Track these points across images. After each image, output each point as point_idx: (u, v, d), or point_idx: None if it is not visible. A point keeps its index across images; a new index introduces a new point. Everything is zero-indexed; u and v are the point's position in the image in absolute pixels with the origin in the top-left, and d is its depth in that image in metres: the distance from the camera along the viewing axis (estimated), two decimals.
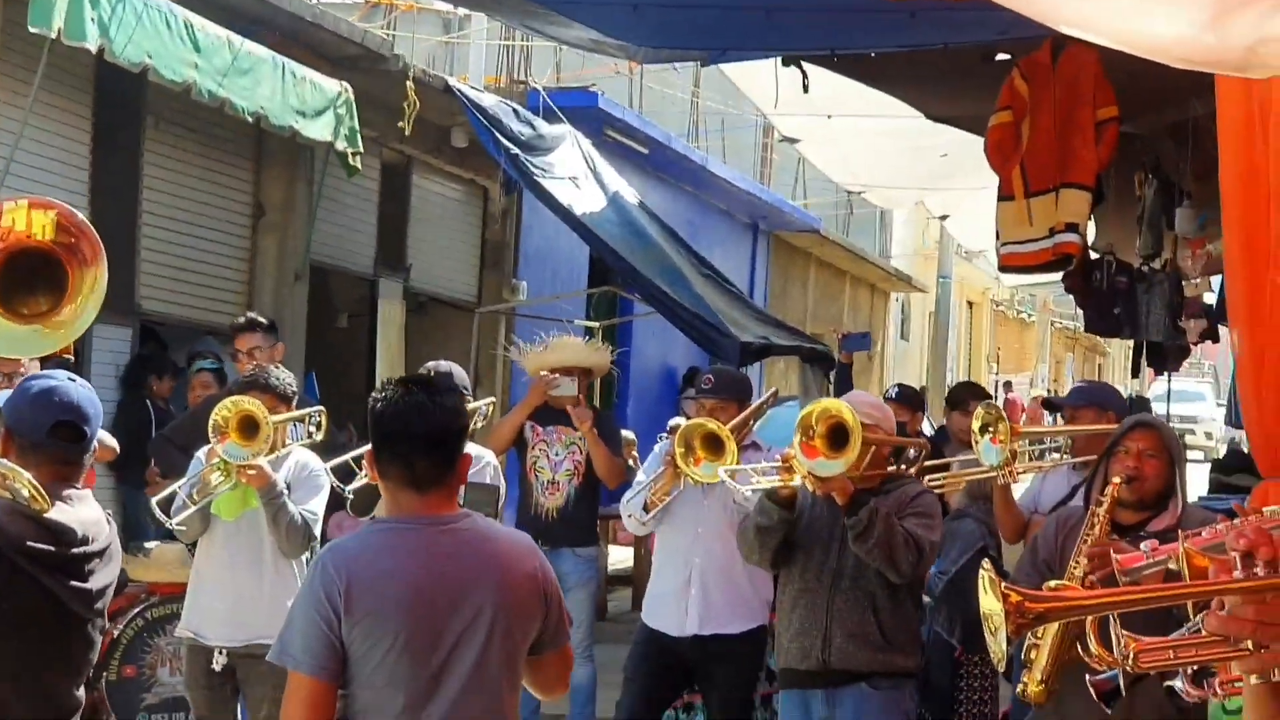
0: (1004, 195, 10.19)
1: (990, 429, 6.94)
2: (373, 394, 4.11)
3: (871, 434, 6.26)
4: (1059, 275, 11.65)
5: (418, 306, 14.97)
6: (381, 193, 14.25)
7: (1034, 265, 10.46)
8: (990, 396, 8.41)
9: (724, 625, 7.52)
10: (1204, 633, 2.81)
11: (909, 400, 10.46)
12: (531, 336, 10.51)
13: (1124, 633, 2.81)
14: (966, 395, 10.03)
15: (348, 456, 7.18)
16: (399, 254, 14.63)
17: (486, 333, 14.91)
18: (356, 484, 7.08)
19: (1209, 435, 27.46)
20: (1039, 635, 5.30)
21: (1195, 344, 12.71)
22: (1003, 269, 11.07)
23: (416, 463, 4.04)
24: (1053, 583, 5.18)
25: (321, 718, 3.91)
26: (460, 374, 7.71)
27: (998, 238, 10.42)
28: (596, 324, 15.20)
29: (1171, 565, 4.35)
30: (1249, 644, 2.68)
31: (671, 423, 8.75)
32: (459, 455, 4.12)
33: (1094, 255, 11.82)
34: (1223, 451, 13.83)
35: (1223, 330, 11.72)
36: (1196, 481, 14.87)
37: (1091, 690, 3.20)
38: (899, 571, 6.17)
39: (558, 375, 9.20)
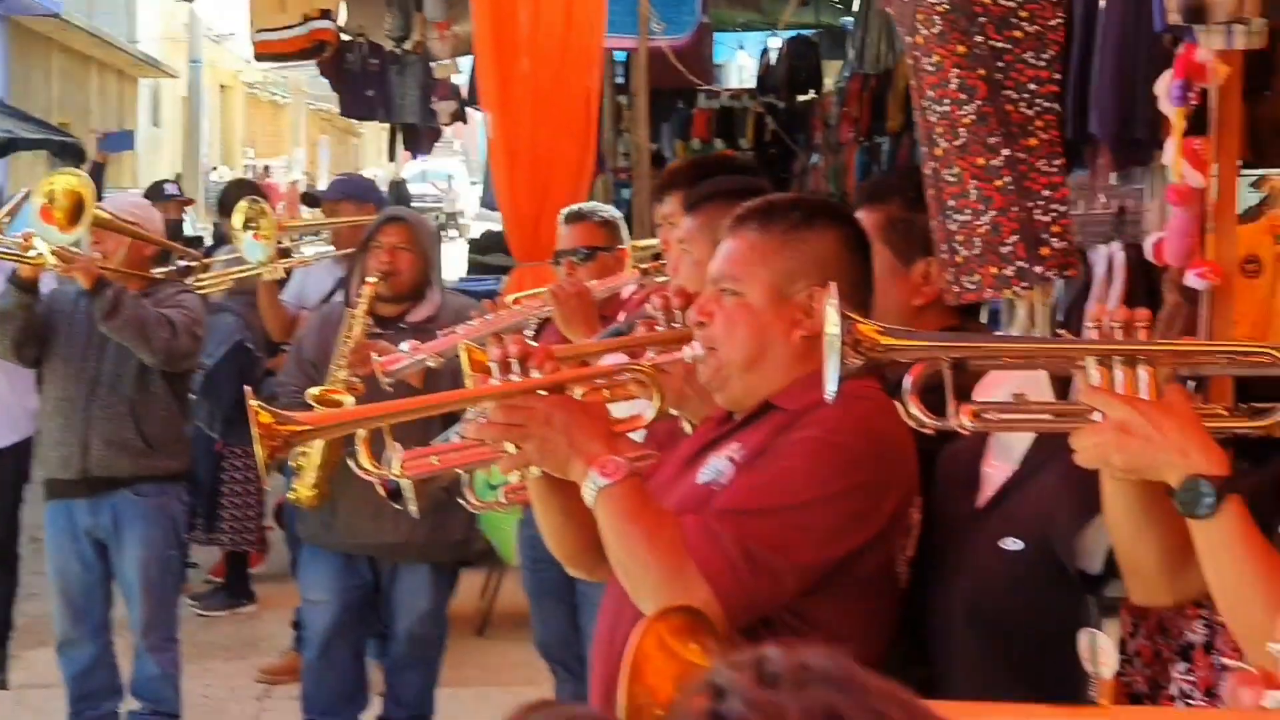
0: None
1: (253, 224, 6.82)
2: None
3: (127, 229, 6.12)
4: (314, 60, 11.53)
5: None
6: None
7: (290, 53, 10.27)
8: (264, 194, 8.22)
9: None
10: (464, 438, 2.85)
11: (160, 195, 10.18)
12: None
13: (396, 445, 2.81)
14: (239, 197, 9.82)
15: None
16: None
17: None
18: None
19: (462, 214, 28.22)
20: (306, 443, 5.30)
21: (446, 125, 12.90)
22: (259, 58, 10.82)
23: None
24: (314, 390, 5.17)
25: None
26: None
27: (252, 26, 10.15)
28: None
29: (431, 363, 4.44)
30: (509, 446, 2.73)
31: None
32: None
33: (346, 38, 11.76)
34: (478, 232, 14.21)
35: (472, 112, 11.98)
36: (455, 260, 15.24)
37: (380, 490, 3.17)
38: (152, 349, 6.03)
39: None
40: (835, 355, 2.38)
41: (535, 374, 2.76)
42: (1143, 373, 2.38)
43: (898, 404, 2.45)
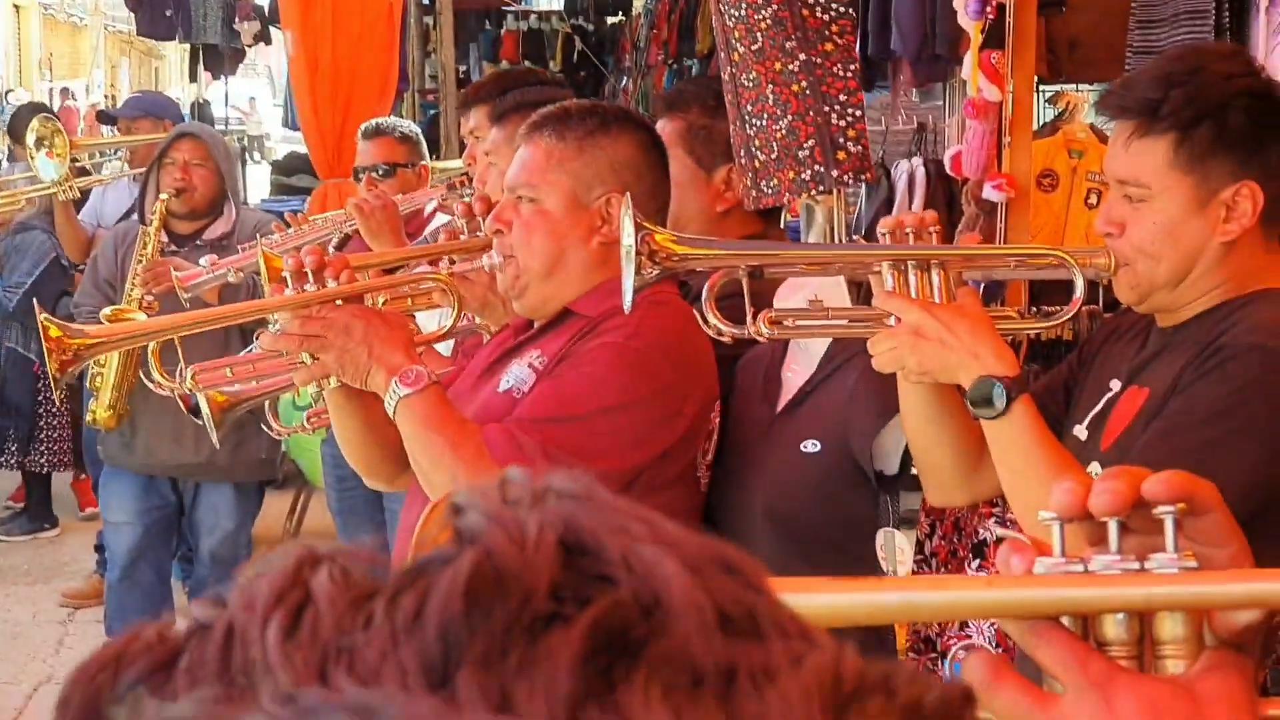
0: None
1: (46, 143, 6.63)
2: None
3: None
4: None
5: None
6: None
7: None
8: (53, 113, 8.00)
9: None
10: (260, 349, 2.80)
11: None
12: None
13: (196, 367, 2.76)
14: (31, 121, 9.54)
15: None
16: None
17: None
18: None
19: (267, 136, 27.73)
20: (101, 364, 5.20)
21: (250, 46, 12.65)
22: None
23: None
24: (108, 310, 5.05)
25: None
26: None
27: None
28: None
29: (231, 278, 4.36)
30: (305, 357, 2.70)
31: None
32: None
33: None
34: (281, 153, 13.98)
35: (275, 31, 11.75)
36: (259, 183, 15.00)
37: (183, 406, 3.12)
38: None
39: None
40: (631, 266, 2.38)
41: (333, 284, 2.72)
42: (935, 277, 2.41)
43: (696, 312, 2.46)
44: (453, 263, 3.22)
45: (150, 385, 2.77)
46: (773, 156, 2.98)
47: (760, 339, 2.48)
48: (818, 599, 1.04)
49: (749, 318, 2.44)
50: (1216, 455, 2.26)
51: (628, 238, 2.38)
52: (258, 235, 4.86)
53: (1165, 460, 2.22)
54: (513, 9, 14.92)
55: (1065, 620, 1.04)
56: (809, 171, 2.97)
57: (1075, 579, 1.03)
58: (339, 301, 2.69)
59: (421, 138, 5.59)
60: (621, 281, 2.42)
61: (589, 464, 2.62)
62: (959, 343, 2.33)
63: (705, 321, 2.45)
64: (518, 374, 2.79)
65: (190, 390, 2.77)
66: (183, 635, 0.49)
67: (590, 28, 15.56)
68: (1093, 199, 5.33)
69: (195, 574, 5.99)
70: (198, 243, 5.49)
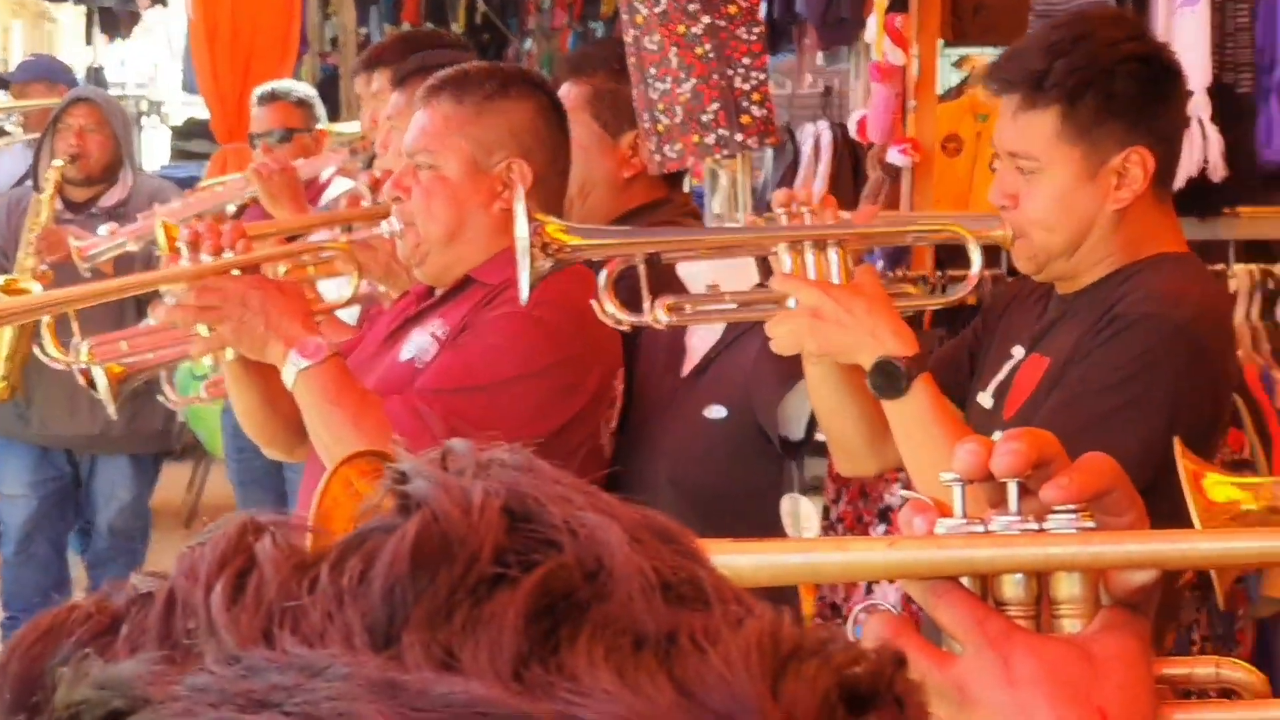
0: None
1: None
2: None
3: None
4: None
5: None
6: None
7: None
8: None
9: None
10: (155, 322, 2.76)
11: None
12: None
13: (92, 340, 2.71)
14: None
15: None
16: None
17: None
18: None
19: (165, 102, 27.38)
20: None
21: (146, 8, 12.47)
22: None
23: None
24: (1, 279, 4.96)
25: None
26: None
27: None
28: None
29: (130, 246, 4.29)
30: (201, 329, 2.65)
31: None
32: None
33: None
34: (180, 119, 13.82)
35: None
36: (159, 149, 14.81)
37: (81, 380, 3.06)
38: None
39: None
40: (525, 259, 2.36)
41: (229, 254, 2.67)
42: (833, 255, 2.40)
43: (594, 301, 2.45)
44: (348, 230, 3.19)
45: (44, 359, 2.70)
46: (676, 120, 2.96)
47: (658, 326, 2.47)
48: (720, 561, 1.03)
49: (646, 306, 2.43)
50: (1115, 424, 2.29)
51: (520, 230, 2.36)
52: (154, 203, 4.79)
53: (1065, 430, 2.24)
54: None
55: (966, 581, 1.05)
56: (713, 135, 2.95)
57: (975, 539, 1.04)
58: (236, 272, 2.64)
59: (318, 101, 5.52)
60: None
61: (492, 434, 2.59)
62: (856, 323, 2.33)
63: (603, 310, 2.44)
64: (419, 343, 2.75)
65: (86, 364, 2.71)
66: (123, 604, 0.49)
67: None
68: (997, 163, 5.35)
69: (93, 546, 5.92)
70: (93, 210, 5.40)
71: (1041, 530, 1.03)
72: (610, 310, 2.42)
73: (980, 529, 1.04)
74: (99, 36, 13.48)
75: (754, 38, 2.97)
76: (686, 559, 0.48)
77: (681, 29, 2.93)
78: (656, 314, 2.43)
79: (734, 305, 2.51)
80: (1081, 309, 2.42)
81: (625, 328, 2.50)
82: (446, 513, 0.45)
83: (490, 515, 0.45)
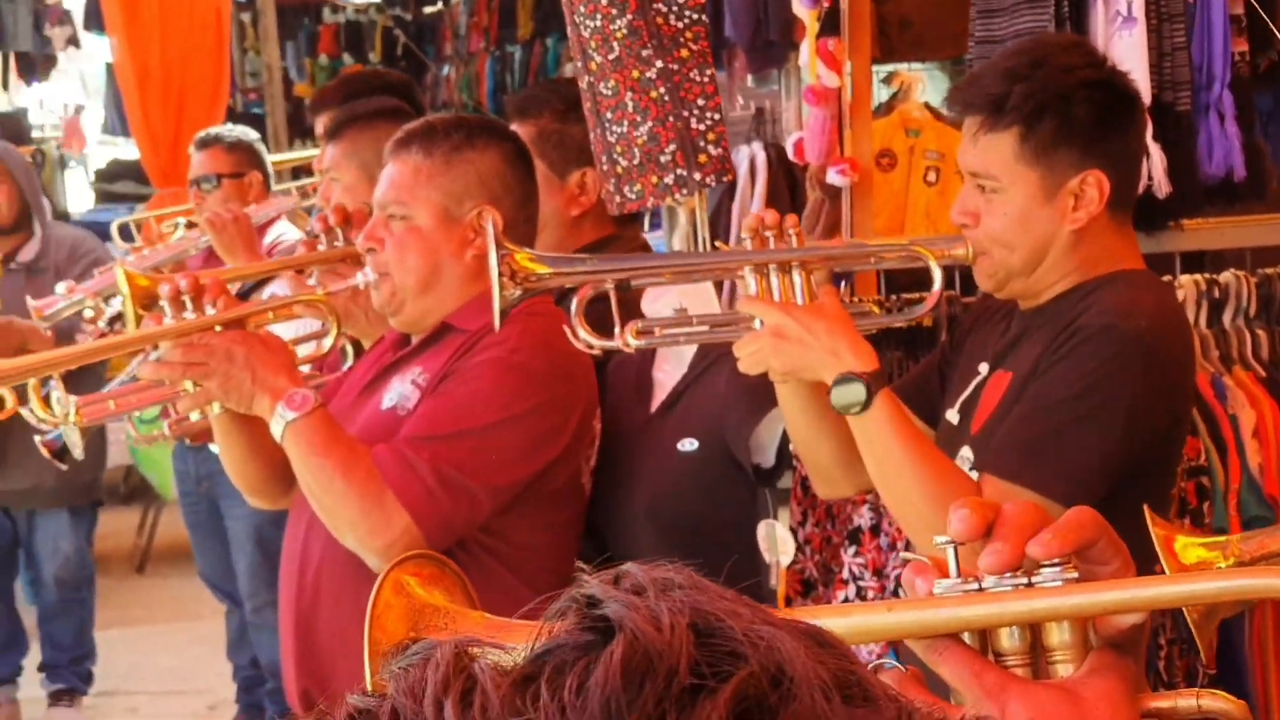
0: None
1: None
2: None
3: None
4: None
5: None
6: None
7: None
8: None
9: None
10: (142, 379, 2.80)
11: None
12: None
13: (80, 400, 2.74)
14: None
15: None
16: None
17: None
18: None
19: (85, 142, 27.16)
20: None
21: (62, 51, 12.44)
22: None
23: None
24: None
25: None
26: None
27: None
28: None
29: (89, 304, 4.31)
30: (187, 385, 2.70)
31: None
32: None
33: None
34: (103, 160, 13.72)
35: (87, 36, 11.59)
36: (80, 191, 14.68)
37: (43, 450, 3.09)
38: None
39: None
40: (496, 286, 2.43)
41: (210, 310, 2.72)
42: (797, 277, 2.48)
43: (566, 328, 2.51)
44: (302, 273, 3.24)
45: (32, 420, 2.73)
46: (635, 162, 3.03)
47: (628, 350, 2.54)
48: None
49: (617, 329, 2.50)
50: (1076, 436, 2.36)
51: (491, 258, 2.43)
52: (75, 254, 4.78)
53: (1027, 443, 2.33)
54: (330, 2, 14.77)
55: (965, 636, 1.13)
56: (671, 176, 3.02)
57: (969, 598, 1.12)
58: (218, 327, 2.69)
59: (259, 144, 5.49)
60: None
61: (479, 480, 2.66)
62: (818, 342, 2.40)
63: (575, 336, 2.50)
64: (400, 391, 2.81)
65: (75, 423, 2.75)
66: None
67: (409, 18, 15.46)
68: (931, 176, 5.45)
69: (40, 599, 5.90)
70: (11, 266, 5.37)
71: (1030, 585, 1.11)
72: (583, 336, 2.49)
73: (975, 587, 1.12)
74: (15, 80, 13.39)
75: (706, 79, 3.04)
76: (845, 661, 0.52)
77: (636, 74, 3.00)
78: (627, 338, 2.50)
79: (702, 328, 2.58)
80: (1042, 325, 2.50)
81: (597, 352, 2.56)
82: (644, 630, 0.49)
83: (680, 633, 0.49)
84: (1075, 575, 1.13)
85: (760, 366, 2.47)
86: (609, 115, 2.99)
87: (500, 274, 2.44)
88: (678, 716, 0.47)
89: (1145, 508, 1.29)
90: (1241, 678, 3.35)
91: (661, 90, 2.99)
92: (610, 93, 3.01)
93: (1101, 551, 1.17)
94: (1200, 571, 1.26)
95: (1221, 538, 1.26)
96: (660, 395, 2.99)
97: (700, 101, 3.01)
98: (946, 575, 1.14)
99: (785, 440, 2.84)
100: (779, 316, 2.43)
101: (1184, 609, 1.20)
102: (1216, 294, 3.31)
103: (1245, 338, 3.32)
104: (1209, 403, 3.22)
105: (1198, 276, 3.33)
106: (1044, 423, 2.40)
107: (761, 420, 2.81)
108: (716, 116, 3.01)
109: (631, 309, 2.66)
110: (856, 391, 2.37)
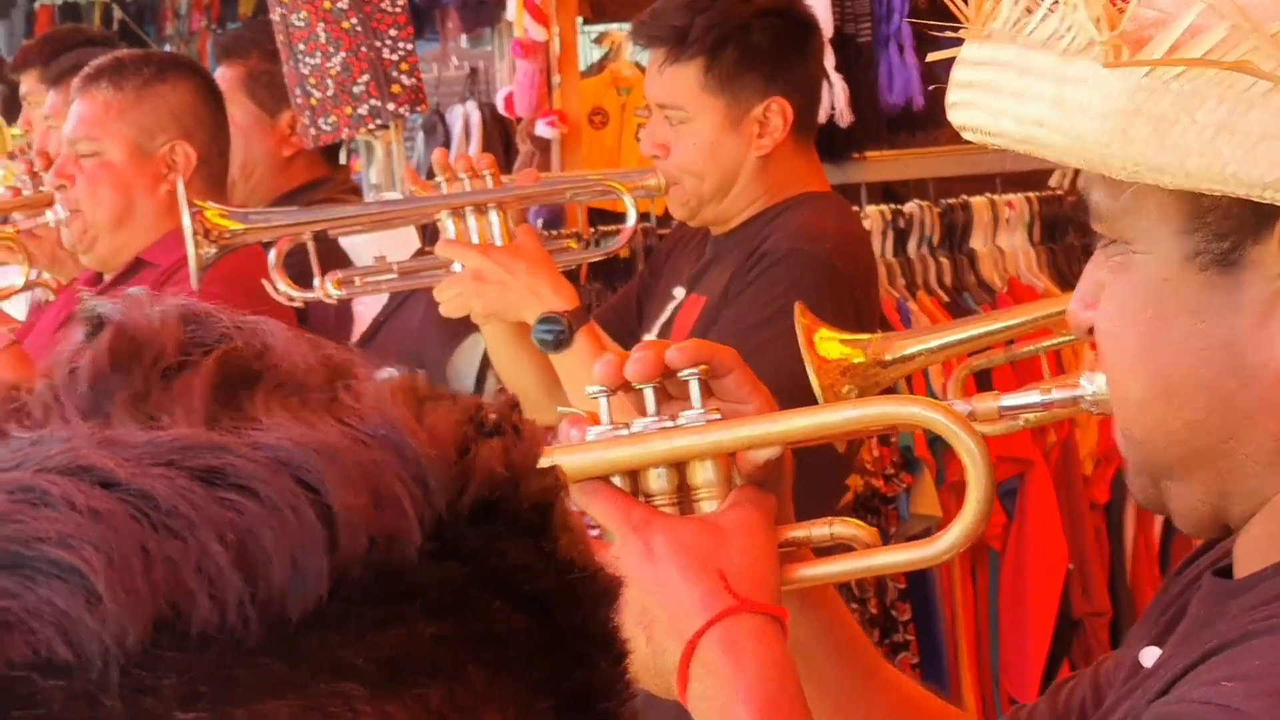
0: None
1: None
2: None
3: None
4: None
5: None
6: None
7: None
8: None
9: None
10: None
11: None
12: None
13: None
14: None
15: None
16: None
17: None
18: None
19: None
20: None
21: None
22: None
23: None
24: None
25: None
26: None
27: None
28: None
29: None
30: None
31: None
32: None
33: None
34: None
35: None
36: None
37: None
38: None
39: None
40: (192, 245, 2.42)
41: None
42: (494, 218, 2.51)
43: (265, 282, 2.50)
44: (3, 220, 3.18)
45: None
46: (329, 93, 3.04)
47: (330, 300, 2.53)
48: None
49: (317, 281, 2.50)
50: (766, 358, 2.43)
51: (185, 218, 2.42)
52: None
53: None
54: None
55: (617, 480, 1.20)
56: (365, 106, 3.04)
57: (618, 440, 1.20)
58: None
59: None
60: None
61: None
62: (518, 283, 2.43)
63: (275, 290, 2.49)
64: None
65: None
66: None
67: None
68: (641, 133, 5.53)
69: None
70: None
71: (675, 426, 1.19)
72: (283, 289, 2.49)
73: (624, 431, 1.19)
74: None
75: (398, 10, 3.06)
76: (331, 348, 0.55)
77: (327, 4, 3.01)
78: (327, 288, 2.51)
79: (401, 275, 2.60)
80: (733, 248, 2.57)
81: (299, 304, 2.56)
82: (132, 320, 0.51)
83: (170, 322, 0.51)
84: (718, 416, 1.20)
85: (463, 310, 2.49)
86: (301, 47, 3.00)
87: (195, 233, 2.41)
88: (164, 388, 0.49)
89: (797, 303, 1.36)
90: (934, 622, 3.49)
91: (354, 20, 3.00)
92: (302, 24, 3.01)
93: (740, 388, 1.23)
94: (831, 404, 1.34)
95: (863, 336, 1.33)
96: (360, 327, 3.00)
97: (393, 32, 3.03)
98: (596, 423, 1.20)
99: (485, 365, 2.87)
100: (478, 259, 2.45)
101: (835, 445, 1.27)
102: (901, 224, 3.44)
103: (929, 265, 3.46)
104: (894, 328, 3.34)
105: (883, 207, 3.46)
106: (735, 346, 2.47)
107: (458, 348, 2.84)
108: (409, 47, 3.04)
109: (331, 248, 2.66)
110: (558, 330, 2.41)
